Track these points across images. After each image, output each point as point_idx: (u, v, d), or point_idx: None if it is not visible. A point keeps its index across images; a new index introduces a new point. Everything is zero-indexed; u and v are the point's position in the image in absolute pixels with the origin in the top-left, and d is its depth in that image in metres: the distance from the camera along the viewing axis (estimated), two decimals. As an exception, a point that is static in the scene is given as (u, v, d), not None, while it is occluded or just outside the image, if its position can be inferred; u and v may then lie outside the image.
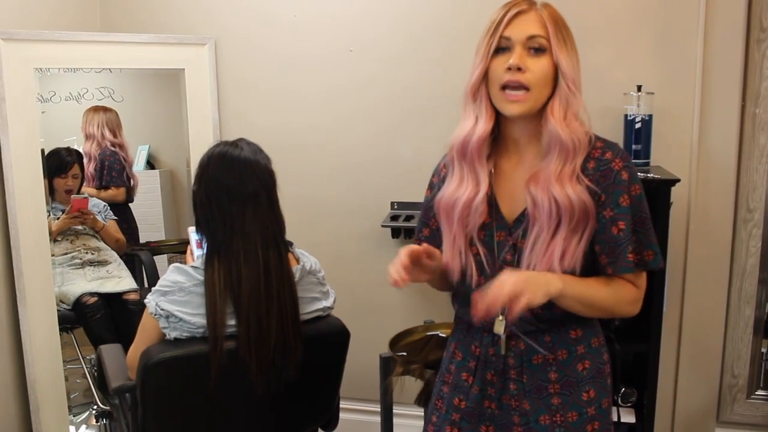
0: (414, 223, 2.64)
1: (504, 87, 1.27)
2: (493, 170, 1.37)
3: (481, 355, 1.41)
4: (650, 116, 2.34)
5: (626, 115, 2.37)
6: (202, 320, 1.62)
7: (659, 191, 2.16)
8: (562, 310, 1.33)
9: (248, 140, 1.73)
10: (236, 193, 1.64)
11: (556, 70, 1.28)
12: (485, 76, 1.31)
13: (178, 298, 1.62)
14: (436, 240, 1.45)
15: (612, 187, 1.29)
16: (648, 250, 1.33)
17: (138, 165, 3.15)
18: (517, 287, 1.16)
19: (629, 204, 1.30)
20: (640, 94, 2.35)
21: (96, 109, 3.00)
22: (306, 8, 2.73)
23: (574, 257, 1.28)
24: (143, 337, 1.67)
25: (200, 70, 2.77)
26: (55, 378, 2.64)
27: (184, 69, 2.75)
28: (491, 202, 1.36)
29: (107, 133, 3.02)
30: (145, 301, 1.65)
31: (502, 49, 1.29)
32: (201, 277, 1.62)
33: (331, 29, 2.73)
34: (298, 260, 1.75)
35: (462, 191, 1.35)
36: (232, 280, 1.62)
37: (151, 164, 3.19)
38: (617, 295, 1.32)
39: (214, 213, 1.65)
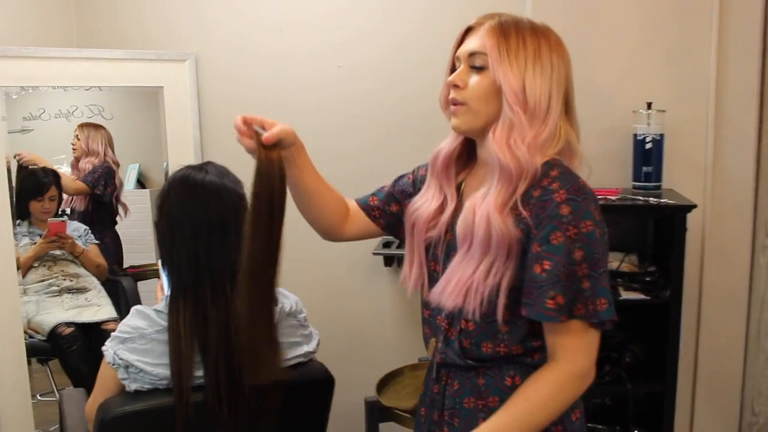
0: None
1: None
2: (463, 187, 1.32)
3: (428, 392, 1.36)
4: (661, 135, 2.19)
5: (635, 135, 2.22)
6: (165, 371, 1.45)
7: (674, 218, 2.01)
8: (492, 351, 1.22)
9: (216, 163, 1.59)
10: (200, 222, 1.48)
11: (495, 86, 1.20)
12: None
13: (138, 346, 1.46)
14: (385, 205, 1.44)
15: (547, 220, 1.13)
16: (601, 297, 1.14)
17: (128, 184, 3.08)
18: None
19: (562, 243, 1.12)
20: (650, 111, 2.20)
21: (97, 127, 2.95)
22: (293, 22, 2.62)
23: (479, 293, 1.16)
24: (101, 389, 1.51)
25: (180, 88, 2.65)
26: (23, 416, 2.48)
27: (162, 86, 2.64)
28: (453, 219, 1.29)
29: (110, 152, 2.97)
30: (103, 348, 1.49)
31: (455, 68, 1.27)
32: (164, 323, 1.47)
33: (319, 44, 2.62)
34: (275, 301, 1.58)
35: (428, 204, 1.31)
36: (198, 322, 1.47)
37: (141, 183, 3.11)
38: (557, 392, 1.14)
39: (177, 246, 1.50)
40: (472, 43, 1.22)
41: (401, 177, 1.45)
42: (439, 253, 1.29)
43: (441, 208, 1.29)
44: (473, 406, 1.25)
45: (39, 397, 2.79)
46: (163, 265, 1.56)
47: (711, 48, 2.25)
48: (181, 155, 2.66)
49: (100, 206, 2.99)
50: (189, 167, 1.55)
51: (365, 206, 1.45)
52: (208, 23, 2.68)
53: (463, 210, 1.22)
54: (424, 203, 1.32)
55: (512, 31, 1.20)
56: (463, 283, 1.18)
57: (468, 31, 1.26)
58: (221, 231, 1.48)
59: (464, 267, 1.18)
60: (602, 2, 2.33)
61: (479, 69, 1.21)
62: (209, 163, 1.57)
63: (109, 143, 2.96)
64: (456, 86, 1.23)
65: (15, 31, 2.55)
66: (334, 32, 2.60)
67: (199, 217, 1.48)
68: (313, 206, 1.39)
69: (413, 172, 1.44)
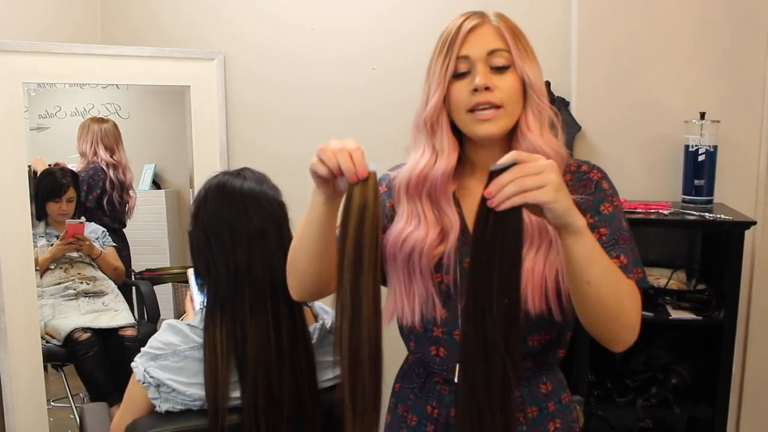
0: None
1: (472, 110, 1.15)
2: (456, 192, 1.24)
3: (441, 417, 1.23)
4: (715, 147, 2.09)
5: (687, 146, 2.11)
6: (199, 391, 1.35)
7: (730, 235, 1.90)
8: (532, 361, 1.21)
9: (252, 169, 1.50)
10: (240, 231, 1.40)
11: (522, 82, 1.16)
12: (443, 103, 1.18)
13: (170, 364, 1.36)
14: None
15: (592, 195, 1.18)
16: (638, 267, 1.16)
17: (143, 184, 3.02)
18: (552, 181, 0.91)
19: (612, 212, 1.17)
20: (703, 122, 2.09)
21: (91, 121, 2.83)
22: (325, 21, 2.55)
23: (552, 285, 1.14)
24: (129, 407, 1.41)
25: (207, 88, 2.57)
26: (38, 426, 2.42)
27: (189, 86, 2.56)
28: (462, 227, 1.21)
29: (101, 152, 2.84)
30: (132, 364, 1.40)
31: (460, 74, 1.16)
32: (199, 339, 1.37)
33: (352, 45, 2.53)
34: (316, 317, 1.49)
35: (423, 233, 1.19)
36: (236, 337, 1.37)
37: (157, 184, 3.05)
38: (627, 284, 1.08)
39: (215, 257, 1.40)
40: (487, 42, 1.15)
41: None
42: (448, 263, 1.19)
43: (443, 233, 1.19)
44: None
45: (53, 403, 2.71)
46: (197, 276, 1.46)
47: (766, 56, 2.16)
48: (206, 156, 2.59)
49: (89, 210, 2.89)
50: (225, 173, 1.47)
51: None
52: (236, 22, 2.61)
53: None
54: (414, 231, 1.20)
55: (515, 25, 1.19)
56: (540, 279, 1.13)
57: (465, 31, 1.16)
58: (261, 240, 1.39)
59: (532, 264, 1.13)
60: (651, 9, 2.24)
61: (501, 69, 1.15)
62: (246, 169, 1.49)
63: (104, 141, 2.84)
64: (487, 89, 1.13)
65: (37, 27, 2.49)
66: (367, 33, 2.52)
67: (238, 226, 1.39)
68: (329, 253, 1.14)
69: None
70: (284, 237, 1.45)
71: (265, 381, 1.37)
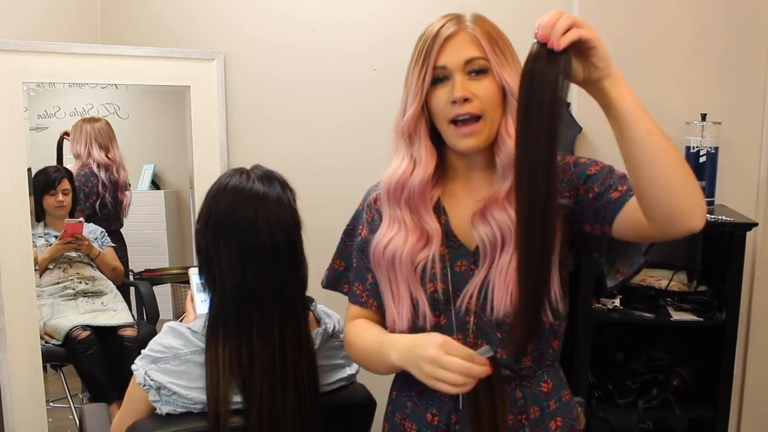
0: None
1: (453, 121, 1.15)
2: (440, 198, 1.25)
3: (441, 424, 1.22)
4: (716, 149, 2.08)
5: (688, 147, 2.11)
6: (200, 395, 1.34)
7: (732, 236, 1.90)
8: (531, 360, 1.20)
9: (266, 168, 1.42)
10: (253, 245, 1.32)
11: (501, 88, 1.16)
12: (421, 112, 1.18)
13: (171, 368, 1.34)
14: (378, 291, 1.27)
15: (574, 173, 1.17)
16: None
17: (142, 185, 3.00)
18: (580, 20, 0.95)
19: (601, 168, 1.17)
20: (704, 123, 2.09)
21: (83, 122, 2.81)
22: (326, 22, 2.53)
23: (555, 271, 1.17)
24: (130, 409, 1.39)
25: (207, 88, 2.55)
26: (37, 427, 2.41)
27: (189, 86, 2.54)
28: (447, 232, 1.23)
29: (95, 152, 2.81)
30: (133, 367, 1.38)
31: (438, 79, 1.16)
32: (201, 344, 1.34)
33: (353, 45, 2.52)
34: (318, 321, 1.47)
35: (404, 238, 1.20)
36: (241, 357, 1.33)
37: (156, 184, 3.03)
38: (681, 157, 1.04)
39: (223, 268, 1.34)
40: (463, 51, 1.14)
41: (353, 242, 1.34)
42: (434, 270, 1.19)
43: (426, 239, 1.20)
44: (512, 422, 1.20)
45: (52, 404, 2.70)
46: (201, 277, 1.41)
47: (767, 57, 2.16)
48: (205, 157, 2.58)
49: (87, 215, 2.86)
50: (240, 173, 1.38)
51: (377, 303, 1.30)
52: (237, 22, 2.59)
53: (510, 212, 1.14)
54: (395, 236, 1.21)
55: (493, 28, 1.18)
56: None
57: (441, 40, 1.15)
58: (274, 256, 1.33)
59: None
60: (652, 10, 2.23)
61: (478, 74, 1.15)
62: (258, 167, 1.40)
63: (98, 140, 2.80)
64: (466, 100, 1.13)
65: (37, 26, 2.48)
66: (368, 33, 2.50)
67: (252, 238, 1.32)
68: None
69: (362, 225, 1.32)
70: (296, 249, 1.39)
71: (269, 398, 1.35)
